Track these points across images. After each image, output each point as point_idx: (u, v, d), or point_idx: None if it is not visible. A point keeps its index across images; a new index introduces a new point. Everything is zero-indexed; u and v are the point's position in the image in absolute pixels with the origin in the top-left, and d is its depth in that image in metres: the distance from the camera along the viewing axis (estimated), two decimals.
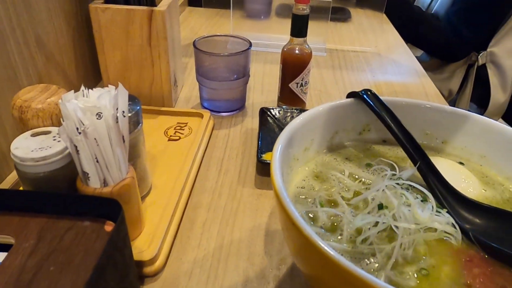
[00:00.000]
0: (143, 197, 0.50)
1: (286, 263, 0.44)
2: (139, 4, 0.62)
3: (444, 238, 0.33)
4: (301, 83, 0.68)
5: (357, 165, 0.42)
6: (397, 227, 0.32)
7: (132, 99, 0.45)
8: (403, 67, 0.97)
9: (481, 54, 1.33)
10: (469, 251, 0.32)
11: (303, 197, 0.37)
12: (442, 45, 1.37)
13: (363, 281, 0.24)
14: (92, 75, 0.73)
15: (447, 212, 0.34)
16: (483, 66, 1.34)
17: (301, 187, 0.38)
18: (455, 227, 0.33)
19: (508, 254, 0.31)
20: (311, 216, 0.35)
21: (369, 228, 0.32)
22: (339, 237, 0.33)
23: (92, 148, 0.36)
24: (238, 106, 0.72)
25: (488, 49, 1.32)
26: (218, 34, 0.71)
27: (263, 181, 0.56)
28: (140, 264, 0.41)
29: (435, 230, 0.33)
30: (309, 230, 0.26)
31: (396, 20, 1.26)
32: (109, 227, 0.33)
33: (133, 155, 0.46)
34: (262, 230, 0.48)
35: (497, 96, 1.32)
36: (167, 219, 0.46)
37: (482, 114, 0.45)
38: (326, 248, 0.25)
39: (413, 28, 1.33)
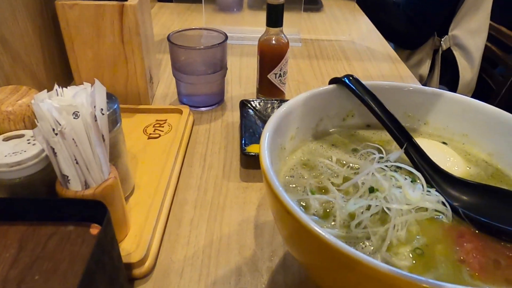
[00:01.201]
0: (126, 198, 0.48)
1: (278, 254, 0.44)
2: None
3: (435, 217, 0.33)
4: (280, 74, 0.68)
5: (344, 151, 0.42)
6: (389, 209, 0.32)
7: (109, 96, 0.43)
8: (377, 53, 0.98)
9: (444, 38, 1.36)
10: (460, 227, 0.33)
11: (293, 186, 0.37)
12: (400, 32, 1.39)
13: (363, 264, 0.24)
14: (62, 75, 0.70)
15: (436, 191, 0.35)
16: (449, 50, 1.37)
17: (290, 176, 0.38)
18: (445, 205, 0.33)
19: (497, 228, 0.32)
20: (303, 204, 0.35)
21: (362, 212, 0.32)
22: (333, 223, 0.33)
23: (70, 149, 0.34)
24: (217, 100, 0.71)
25: (450, 33, 1.35)
26: (193, 27, 0.70)
27: (248, 174, 0.56)
28: (129, 266, 0.39)
29: (426, 209, 0.33)
30: (305, 217, 0.26)
31: (361, 4, 1.27)
32: (95, 230, 0.31)
33: (114, 155, 0.44)
34: (251, 223, 0.48)
35: (466, 76, 1.36)
36: (153, 219, 0.45)
37: None
38: (324, 234, 0.25)
39: (375, 14, 1.34)
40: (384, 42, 1.06)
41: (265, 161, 0.31)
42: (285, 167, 0.39)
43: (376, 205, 0.32)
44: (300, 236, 0.28)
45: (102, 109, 0.35)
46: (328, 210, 0.34)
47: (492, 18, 1.35)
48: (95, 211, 0.31)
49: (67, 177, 0.36)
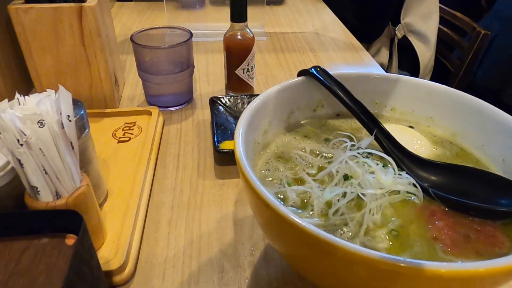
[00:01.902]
0: (100, 205, 0.47)
1: (259, 247, 0.44)
2: (65, 1, 0.57)
3: (408, 198, 0.34)
4: (247, 69, 0.68)
5: (316, 141, 0.43)
6: (364, 194, 0.33)
7: (75, 102, 0.42)
8: (341, 43, 1.00)
9: (397, 27, 1.40)
10: (431, 207, 0.34)
11: (269, 179, 0.37)
12: (354, 27, 1.41)
13: (342, 249, 0.24)
14: (22, 83, 0.67)
15: (406, 173, 0.36)
16: (405, 37, 1.41)
17: (266, 170, 0.38)
18: (416, 187, 0.35)
19: (465, 204, 0.33)
20: (281, 197, 0.35)
21: (338, 200, 0.33)
22: (311, 213, 0.33)
23: (38, 159, 0.33)
24: (186, 99, 0.71)
25: (403, 21, 1.39)
26: (156, 26, 0.69)
27: (223, 170, 0.56)
28: (109, 273, 0.39)
29: (399, 192, 0.34)
30: (284, 209, 0.26)
31: None
32: (71, 240, 0.30)
33: (84, 162, 0.43)
34: (230, 220, 0.48)
35: (425, 58, 1.40)
36: (130, 224, 0.44)
37: None
38: (304, 223, 0.25)
39: (333, 9, 1.36)
40: (347, 32, 1.08)
41: (241, 157, 0.31)
42: (260, 161, 0.39)
43: (352, 192, 0.33)
44: (280, 228, 0.29)
45: (68, 116, 0.34)
46: (305, 201, 0.35)
47: (442, 2, 1.40)
48: (69, 221, 0.30)
49: (36, 188, 0.34)
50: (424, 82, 0.43)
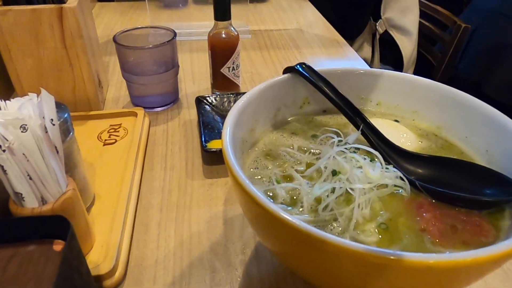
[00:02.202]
0: (87, 209, 0.46)
1: (250, 246, 0.44)
2: (45, 3, 0.56)
3: (395, 192, 0.35)
4: (233, 67, 0.68)
5: (304, 138, 0.43)
6: (352, 189, 0.33)
7: (58, 105, 0.41)
8: (325, 39, 1.01)
9: (378, 22, 1.41)
10: (418, 199, 0.35)
11: (258, 177, 0.37)
12: (336, 25, 1.42)
13: (333, 244, 0.24)
14: (2, 88, 0.65)
15: (393, 167, 0.36)
16: (387, 31, 1.43)
17: (255, 168, 0.38)
18: (403, 180, 0.35)
19: (451, 195, 0.34)
20: (270, 194, 0.35)
21: (328, 195, 0.33)
22: (301, 209, 0.33)
23: (21, 165, 0.32)
24: (172, 99, 0.70)
25: (383, 17, 1.41)
26: (138, 26, 0.68)
27: (211, 170, 0.55)
28: (99, 278, 0.38)
29: (386, 185, 0.34)
30: (274, 207, 0.26)
31: None
32: (58, 246, 0.30)
33: (70, 166, 0.42)
34: (219, 219, 0.48)
35: (408, 52, 1.42)
36: (118, 227, 0.43)
37: None
38: (294, 220, 0.25)
39: (316, 5, 1.36)
40: (330, 28, 1.09)
41: (229, 156, 0.31)
42: (249, 159, 0.39)
43: (340, 187, 0.33)
44: (270, 226, 0.29)
45: (52, 120, 0.34)
46: (295, 197, 0.35)
47: None
48: (56, 226, 0.30)
49: (21, 194, 0.34)
50: (408, 76, 0.44)
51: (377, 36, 1.43)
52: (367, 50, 1.47)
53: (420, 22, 1.43)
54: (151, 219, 0.48)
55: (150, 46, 0.63)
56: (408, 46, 1.41)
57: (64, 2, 0.56)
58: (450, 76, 1.42)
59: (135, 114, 0.63)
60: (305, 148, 0.41)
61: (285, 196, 0.35)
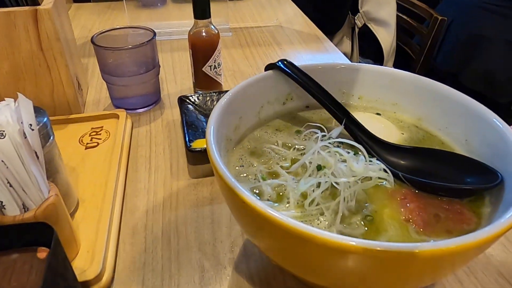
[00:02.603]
0: (71, 214, 0.45)
1: (238, 244, 0.44)
2: (18, 5, 0.54)
3: (379, 184, 0.35)
4: (214, 65, 0.67)
5: (288, 134, 0.43)
6: (337, 183, 0.34)
7: (37, 110, 0.40)
8: (305, 35, 1.01)
9: (357, 16, 1.43)
10: (402, 190, 0.35)
11: (244, 175, 0.37)
12: (316, 20, 1.43)
13: (320, 238, 0.25)
14: None
15: (376, 159, 0.37)
16: (365, 25, 1.44)
17: (240, 166, 0.38)
18: (387, 172, 0.36)
19: (433, 185, 0.35)
20: (256, 192, 0.35)
21: (313, 190, 0.34)
22: (287, 205, 0.34)
23: (0, 172, 0.31)
24: (153, 99, 0.69)
25: (361, 10, 1.42)
26: (117, 27, 0.67)
27: (196, 170, 0.55)
28: (86, 284, 0.37)
29: (371, 178, 0.35)
30: (261, 204, 0.26)
31: None
32: (42, 253, 0.29)
33: (51, 171, 0.41)
34: (207, 218, 0.48)
35: (387, 43, 1.44)
36: (104, 231, 0.43)
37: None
38: (281, 216, 0.26)
39: (294, 2, 1.36)
40: (310, 23, 1.09)
41: (214, 155, 0.31)
42: (234, 157, 0.39)
43: (326, 182, 0.33)
44: (258, 223, 0.29)
45: (31, 125, 0.33)
46: (281, 194, 0.35)
47: None
48: (39, 233, 0.29)
49: (2, 202, 0.33)
50: (387, 70, 0.45)
51: (356, 30, 1.45)
52: (346, 44, 1.49)
53: (397, 15, 1.45)
54: (137, 221, 0.47)
55: (130, 46, 0.62)
56: (387, 37, 1.43)
57: (39, 4, 0.55)
58: (428, 68, 1.45)
59: (117, 116, 0.62)
60: (290, 144, 0.41)
61: (271, 192, 0.35)
